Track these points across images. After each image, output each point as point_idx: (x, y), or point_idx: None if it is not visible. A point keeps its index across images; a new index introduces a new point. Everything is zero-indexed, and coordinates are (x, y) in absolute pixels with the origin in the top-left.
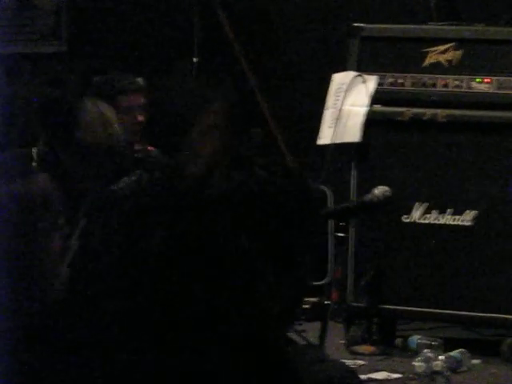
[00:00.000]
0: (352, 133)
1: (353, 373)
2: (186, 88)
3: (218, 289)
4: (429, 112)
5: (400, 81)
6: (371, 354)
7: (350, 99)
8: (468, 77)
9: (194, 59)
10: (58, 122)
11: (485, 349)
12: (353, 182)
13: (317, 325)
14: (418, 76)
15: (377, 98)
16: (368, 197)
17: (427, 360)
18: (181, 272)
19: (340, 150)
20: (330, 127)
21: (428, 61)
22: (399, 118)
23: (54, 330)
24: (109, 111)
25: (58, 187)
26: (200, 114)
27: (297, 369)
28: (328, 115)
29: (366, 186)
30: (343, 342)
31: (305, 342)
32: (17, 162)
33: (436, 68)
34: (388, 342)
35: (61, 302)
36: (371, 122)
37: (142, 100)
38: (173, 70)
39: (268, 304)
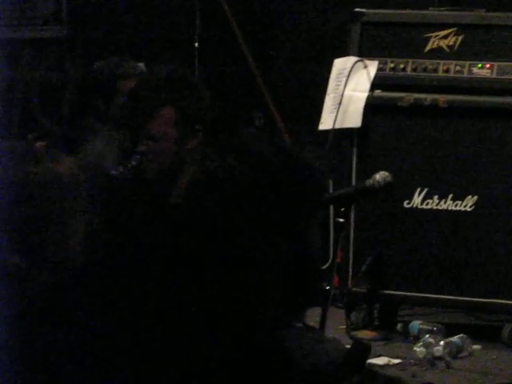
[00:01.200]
0: (353, 118)
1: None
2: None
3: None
4: (430, 97)
5: (401, 66)
6: (372, 340)
7: (352, 84)
8: (469, 62)
9: (196, 44)
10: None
11: (486, 334)
12: (353, 167)
13: (317, 310)
14: (419, 61)
15: (378, 83)
16: (369, 182)
17: (428, 345)
18: (179, 256)
19: (341, 134)
20: (331, 112)
21: (429, 46)
22: (400, 104)
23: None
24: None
25: (85, 171)
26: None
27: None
28: (329, 100)
29: (366, 171)
30: (344, 327)
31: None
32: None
33: (437, 53)
34: (389, 328)
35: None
36: (372, 107)
37: None
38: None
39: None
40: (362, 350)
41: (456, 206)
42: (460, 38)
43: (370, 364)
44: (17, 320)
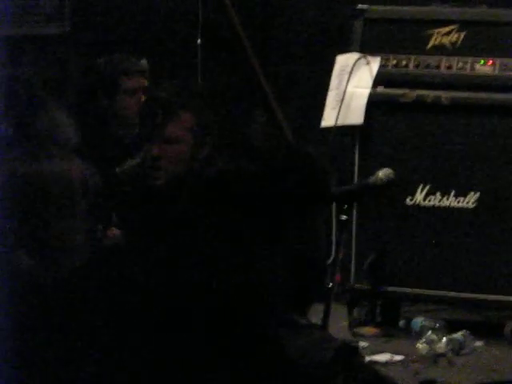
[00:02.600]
0: (356, 114)
1: (356, 351)
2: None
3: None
4: (432, 94)
5: (403, 62)
6: (374, 336)
7: (354, 81)
8: (472, 59)
9: (198, 41)
10: None
11: (488, 331)
12: (356, 163)
13: (320, 307)
14: (422, 58)
15: (380, 79)
16: (372, 179)
17: (430, 342)
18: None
19: (343, 131)
20: (333, 109)
21: (432, 42)
22: (402, 100)
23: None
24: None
25: (94, 173)
26: (175, 110)
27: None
28: (331, 97)
29: (369, 167)
30: (346, 323)
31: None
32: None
33: (439, 50)
34: (391, 324)
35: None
36: (374, 104)
37: (145, 82)
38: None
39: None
40: (349, 351)
41: (458, 202)
42: (462, 34)
43: (372, 360)
44: (20, 316)
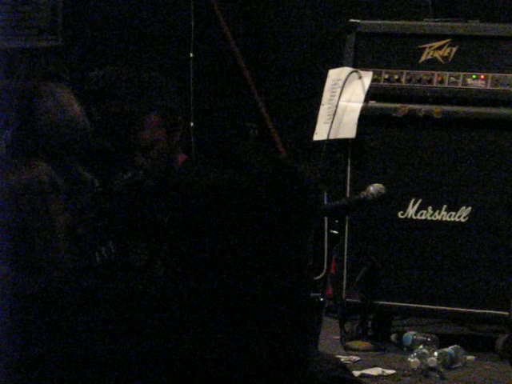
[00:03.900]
0: (348, 129)
1: (344, 367)
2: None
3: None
4: (424, 108)
5: (396, 77)
6: (366, 350)
7: (346, 95)
8: (464, 73)
9: (191, 55)
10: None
11: (480, 345)
12: (348, 177)
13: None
14: (414, 72)
15: (372, 93)
16: (363, 194)
17: (422, 356)
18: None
19: (335, 145)
20: (325, 123)
21: (424, 57)
22: (394, 114)
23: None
24: (66, 95)
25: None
26: (142, 115)
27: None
28: (323, 111)
29: (360, 182)
30: (337, 337)
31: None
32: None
33: (432, 64)
34: (383, 338)
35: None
36: (366, 118)
37: None
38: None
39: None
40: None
41: (450, 216)
42: (454, 48)
43: (363, 375)
44: (8, 327)
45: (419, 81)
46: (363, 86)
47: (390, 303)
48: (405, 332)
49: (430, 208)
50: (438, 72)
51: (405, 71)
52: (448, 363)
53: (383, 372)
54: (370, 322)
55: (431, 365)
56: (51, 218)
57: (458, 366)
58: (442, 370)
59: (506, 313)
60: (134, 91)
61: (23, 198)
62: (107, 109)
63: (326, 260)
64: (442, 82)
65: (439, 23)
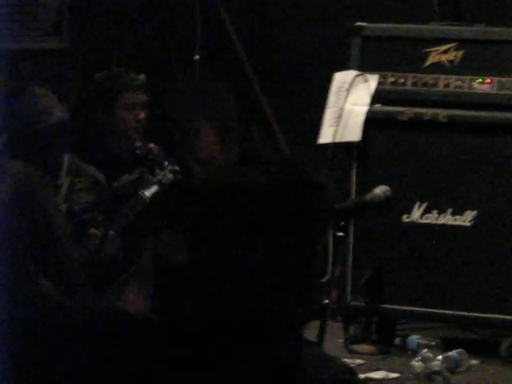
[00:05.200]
0: (353, 132)
1: (351, 370)
2: (188, 94)
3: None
4: (430, 112)
5: (401, 80)
6: (370, 354)
7: (352, 98)
8: (469, 77)
9: (196, 57)
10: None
11: (484, 349)
12: (353, 181)
13: (315, 324)
14: (420, 76)
15: (378, 97)
16: (369, 196)
17: (426, 360)
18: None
19: (341, 148)
20: (331, 126)
21: (430, 61)
22: (400, 118)
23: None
24: (46, 98)
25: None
26: (198, 128)
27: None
28: (329, 114)
29: (366, 185)
30: (342, 341)
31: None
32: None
33: (437, 68)
34: (387, 342)
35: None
36: (372, 122)
37: (144, 97)
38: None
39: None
40: (346, 372)
41: (455, 220)
42: (460, 52)
43: (367, 378)
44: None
45: (425, 84)
46: (369, 89)
47: (395, 307)
48: (409, 336)
49: (435, 212)
50: (444, 76)
51: (410, 75)
52: (452, 367)
53: (387, 375)
54: (374, 326)
55: (435, 368)
56: (45, 209)
57: (461, 369)
58: (445, 373)
59: (511, 317)
60: (190, 101)
61: (18, 192)
62: (162, 115)
63: (330, 263)
64: (447, 85)
65: (445, 27)
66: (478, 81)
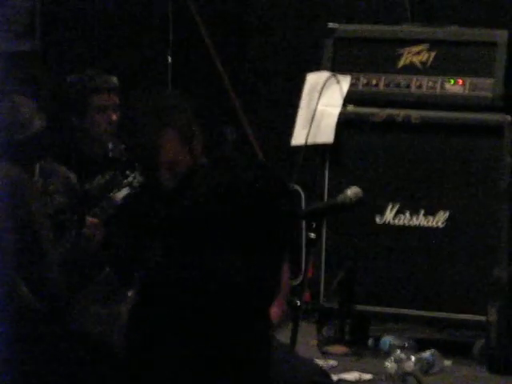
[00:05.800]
0: (326, 133)
1: (324, 372)
2: (146, 109)
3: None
4: (402, 113)
5: (374, 82)
6: (343, 355)
7: (324, 99)
8: (441, 78)
9: (169, 59)
10: None
11: (457, 350)
12: (326, 182)
13: (288, 325)
14: (392, 77)
15: (350, 98)
16: (340, 197)
17: (399, 361)
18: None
19: (313, 150)
20: (303, 127)
21: (402, 62)
22: (373, 119)
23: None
24: (26, 107)
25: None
26: (162, 135)
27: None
28: (302, 115)
29: (338, 186)
30: (315, 342)
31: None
32: None
33: (410, 69)
34: (360, 343)
35: None
36: (344, 123)
37: (116, 99)
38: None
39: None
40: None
41: (428, 221)
42: (433, 53)
43: (341, 379)
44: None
45: (397, 86)
46: (341, 90)
47: (368, 308)
48: (382, 337)
49: (407, 213)
50: (416, 77)
51: (383, 76)
52: (425, 368)
53: (360, 377)
54: (347, 327)
55: (408, 370)
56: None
57: (435, 370)
58: (419, 374)
59: (484, 318)
60: (149, 110)
61: (13, 193)
62: (127, 130)
63: (303, 264)
64: (420, 86)
65: (417, 28)
66: (450, 82)
